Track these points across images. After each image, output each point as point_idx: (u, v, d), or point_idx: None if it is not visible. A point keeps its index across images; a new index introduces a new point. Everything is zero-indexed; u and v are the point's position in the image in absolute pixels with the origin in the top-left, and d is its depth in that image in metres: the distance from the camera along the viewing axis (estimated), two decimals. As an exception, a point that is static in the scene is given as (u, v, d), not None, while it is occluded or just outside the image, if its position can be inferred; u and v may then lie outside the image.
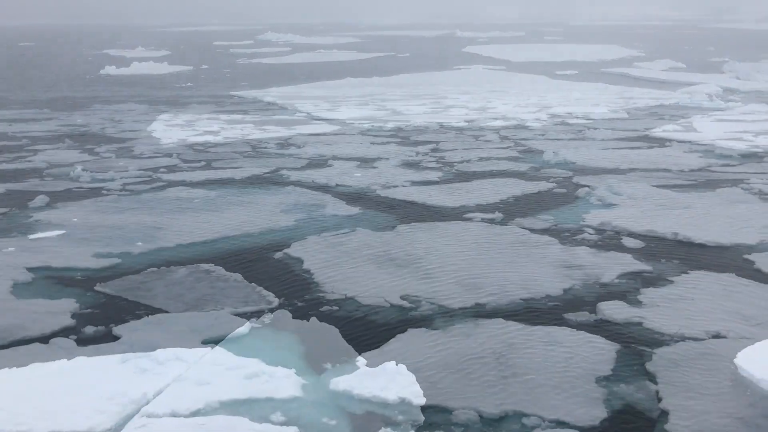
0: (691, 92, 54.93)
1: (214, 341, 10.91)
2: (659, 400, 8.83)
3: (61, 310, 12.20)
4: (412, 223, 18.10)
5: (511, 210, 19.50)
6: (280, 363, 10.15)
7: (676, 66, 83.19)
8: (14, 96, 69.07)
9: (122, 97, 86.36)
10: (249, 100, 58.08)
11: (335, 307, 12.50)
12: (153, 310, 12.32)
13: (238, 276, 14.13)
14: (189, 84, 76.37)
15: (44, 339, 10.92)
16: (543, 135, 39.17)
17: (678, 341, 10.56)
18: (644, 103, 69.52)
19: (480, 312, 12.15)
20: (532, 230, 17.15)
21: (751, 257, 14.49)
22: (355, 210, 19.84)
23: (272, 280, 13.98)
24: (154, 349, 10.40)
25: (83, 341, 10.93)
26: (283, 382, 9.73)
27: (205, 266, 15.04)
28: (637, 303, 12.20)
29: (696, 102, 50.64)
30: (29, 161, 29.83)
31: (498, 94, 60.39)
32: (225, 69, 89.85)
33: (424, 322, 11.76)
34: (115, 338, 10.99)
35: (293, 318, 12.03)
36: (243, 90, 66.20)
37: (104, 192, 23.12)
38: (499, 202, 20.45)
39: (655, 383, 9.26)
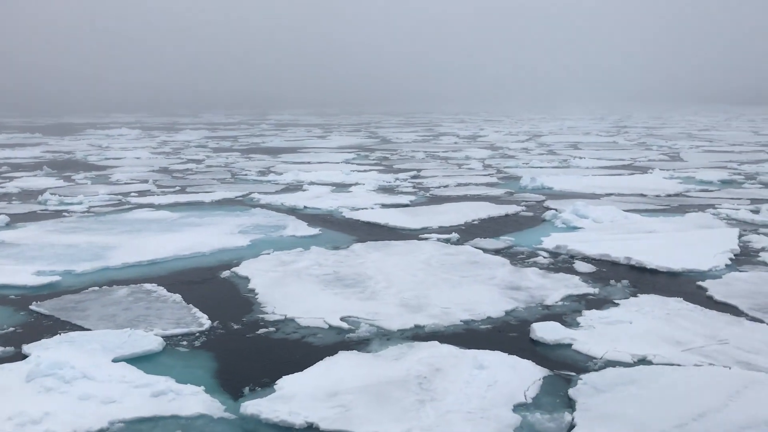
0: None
1: (126, 359, 10.45)
2: (571, 428, 8.33)
3: (-22, 329, 11.76)
4: (368, 243, 17.72)
5: (472, 231, 19.15)
6: (191, 382, 9.68)
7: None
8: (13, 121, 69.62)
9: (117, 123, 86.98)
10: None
11: (272, 329, 12.00)
12: (76, 329, 11.86)
13: (178, 296, 13.65)
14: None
15: (-53, 359, 10.45)
16: (527, 163, 39.10)
17: (604, 366, 10.03)
18: (636, 133, 69.87)
19: (418, 334, 11.67)
20: (486, 251, 16.75)
21: (700, 283, 13.91)
22: (314, 230, 19.51)
23: (213, 301, 13.52)
24: (61, 368, 9.92)
25: (-11, 361, 10.46)
26: (190, 400, 9.25)
27: (148, 286, 14.60)
28: (575, 326, 11.66)
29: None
30: (2, 187, 29.67)
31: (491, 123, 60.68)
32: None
33: (359, 344, 11.27)
34: (24, 357, 10.52)
35: (223, 338, 11.56)
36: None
37: (67, 214, 22.84)
38: (462, 224, 20.13)
39: (572, 410, 8.75)
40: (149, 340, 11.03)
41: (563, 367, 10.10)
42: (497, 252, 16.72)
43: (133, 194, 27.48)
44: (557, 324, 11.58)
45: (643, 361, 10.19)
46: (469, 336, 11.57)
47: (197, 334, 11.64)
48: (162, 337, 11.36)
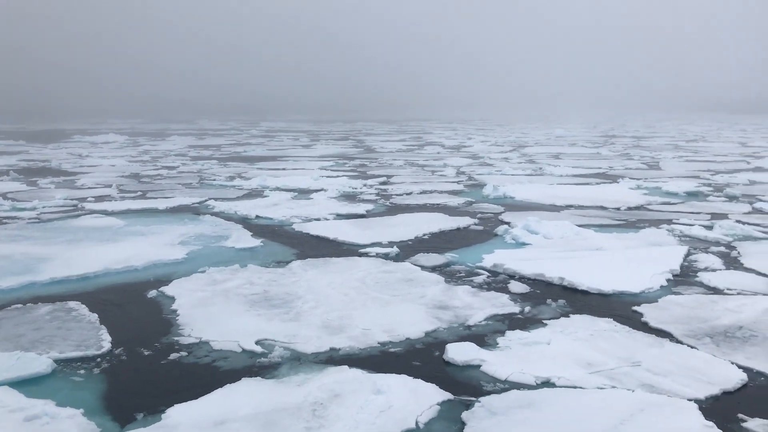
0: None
1: (9, 383, 10.02)
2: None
3: None
4: (308, 259, 17.26)
5: (416, 246, 18.70)
6: (71, 405, 9.33)
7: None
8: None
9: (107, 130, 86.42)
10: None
11: (184, 352, 11.52)
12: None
13: (95, 316, 13.16)
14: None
15: None
16: (500, 170, 38.79)
17: (507, 389, 9.73)
18: (623, 144, 69.42)
19: (332, 357, 11.25)
20: (424, 268, 16.31)
21: (635, 306, 13.35)
22: (256, 243, 19.07)
23: (131, 322, 13.05)
24: (-62, 394, 9.52)
25: None
26: (65, 424, 8.89)
27: (71, 304, 14.13)
28: (492, 346, 11.29)
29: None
30: (-39, 193, 29.30)
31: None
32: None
33: (268, 369, 10.84)
34: None
35: (125, 362, 11.08)
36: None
37: (14, 220, 22.44)
38: (410, 239, 19.69)
39: (461, 434, 8.44)
40: (38, 363, 10.58)
41: (466, 390, 9.76)
42: (435, 269, 16.26)
43: (89, 199, 27.13)
44: (472, 345, 11.21)
45: (547, 383, 9.89)
46: (382, 359, 11.17)
47: (98, 358, 11.15)
48: (58, 360, 10.93)
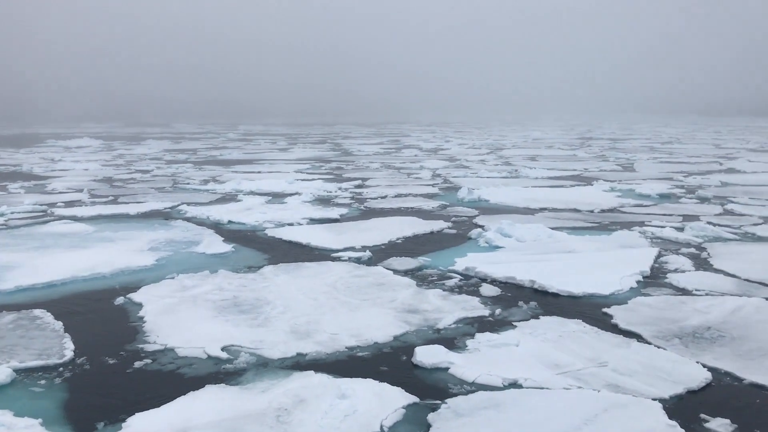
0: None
1: (-35, 394, 9.80)
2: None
3: None
4: (279, 264, 17.10)
5: (390, 251, 18.62)
6: (30, 415, 9.14)
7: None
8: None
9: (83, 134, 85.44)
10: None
11: (148, 360, 11.33)
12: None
13: (59, 324, 12.90)
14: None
15: None
16: (476, 172, 38.91)
17: (473, 390, 9.73)
18: (599, 146, 70.00)
19: (298, 363, 11.14)
20: (397, 272, 16.24)
21: (605, 308, 13.37)
22: (228, 248, 18.85)
23: (96, 329, 12.81)
24: None
25: None
26: (21, 433, 8.71)
27: (36, 312, 13.84)
28: (461, 349, 11.26)
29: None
30: None
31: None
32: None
33: (231, 376, 10.69)
34: None
35: (88, 371, 10.87)
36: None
37: (-22, 229, 22.05)
38: (384, 243, 19.59)
39: (425, 435, 8.42)
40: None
41: (434, 393, 9.72)
42: (407, 273, 16.18)
43: (59, 204, 26.74)
44: (440, 348, 11.18)
45: (514, 384, 9.92)
46: (349, 363, 11.09)
47: (59, 367, 10.93)
48: (18, 369, 10.71)
